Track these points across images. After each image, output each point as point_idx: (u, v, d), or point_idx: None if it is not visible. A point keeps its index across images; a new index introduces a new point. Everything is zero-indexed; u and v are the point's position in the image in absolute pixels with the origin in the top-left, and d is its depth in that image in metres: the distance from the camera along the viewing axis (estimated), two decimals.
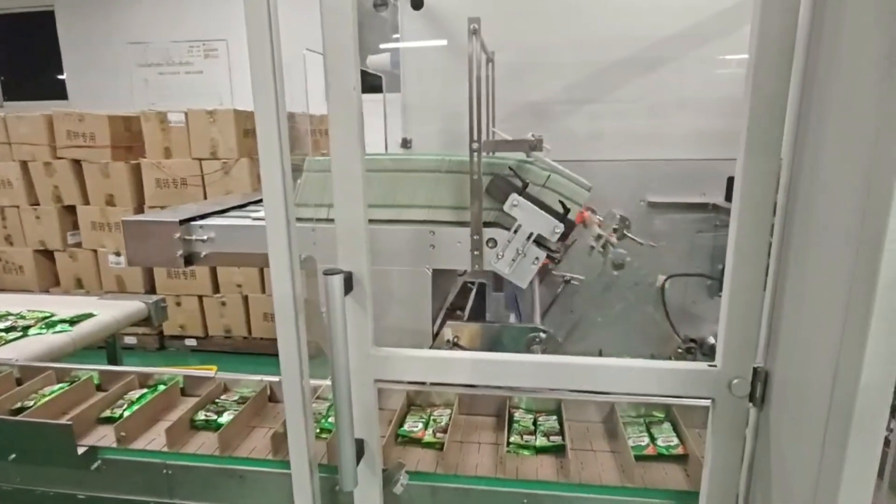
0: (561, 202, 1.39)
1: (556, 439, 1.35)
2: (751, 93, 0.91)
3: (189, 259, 1.54)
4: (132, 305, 2.48)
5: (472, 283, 1.95)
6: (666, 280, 2.24)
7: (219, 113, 4.00)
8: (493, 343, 1.56)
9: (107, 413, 1.50)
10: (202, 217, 1.58)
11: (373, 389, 1.16)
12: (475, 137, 1.37)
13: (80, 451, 1.38)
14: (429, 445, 1.38)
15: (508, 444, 1.36)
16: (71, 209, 4.12)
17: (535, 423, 1.44)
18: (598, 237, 1.63)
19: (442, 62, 2.19)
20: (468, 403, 1.53)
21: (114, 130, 3.97)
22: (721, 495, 1.10)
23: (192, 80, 6.66)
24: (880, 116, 0.71)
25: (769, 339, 1.02)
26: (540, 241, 1.45)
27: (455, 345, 1.56)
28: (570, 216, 1.44)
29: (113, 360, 2.58)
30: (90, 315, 2.29)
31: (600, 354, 1.91)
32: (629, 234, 2.17)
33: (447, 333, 1.57)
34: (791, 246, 0.96)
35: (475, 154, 1.37)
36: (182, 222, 1.51)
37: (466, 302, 2.01)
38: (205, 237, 1.53)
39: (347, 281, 1.08)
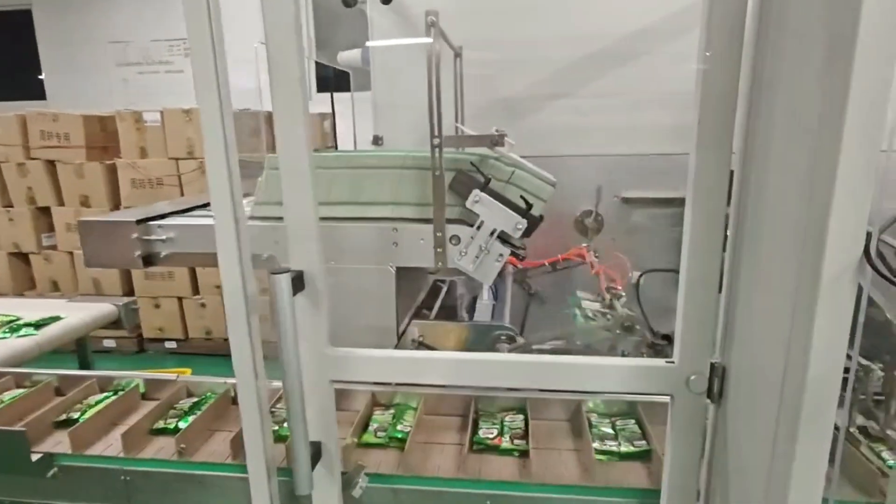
0: (523, 198, 1.37)
1: (521, 443, 1.33)
2: (701, 85, 0.90)
3: (148, 260, 1.50)
4: (101, 308, 2.43)
5: (443, 282, 1.93)
6: (640, 276, 2.23)
7: (195, 112, 3.94)
8: (459, 341, 1.54)
9: (63, 418, 1.46)
10: (162, 216, 1.54)
11: (329, 390, 1.13)
12: (436, 133, 1.34)
13: (35, 457, 1.34)
14: (392, 446, 1.35)
15: (472, 443, 1.34)
16: (45, 210, 4.05)
17: (501, 423, 1.42)
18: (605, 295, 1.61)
19: (412, 58, 2.17)
20: (434, 403, 1.50)
21: (88, 130, 3.90)
22: (681, 492, 1.08)
23: (172, 80, 6.58)
24: (823, 108, 0.70)
25: (725, 334, 1.01)
26: (504, 238, 1.43)
27: (421, 344, 1.54)
28: (535, 211, 1.43)
29: (84, 364, 2.53)
30: (57, 318, 2.24)
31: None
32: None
33: (412, 332, 1.54)
34: (744, 241, 0.94)
35: (436, 150, 1.35)
36: (140, 222, 1.48)
37: (450, 302, 1.99)
38: (164, 237, 1.49)
39: (298, 280, 1.05)
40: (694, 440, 1.05)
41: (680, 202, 2.21)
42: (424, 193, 1.43)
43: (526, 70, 2.20)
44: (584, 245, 2.17)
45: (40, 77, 6.62)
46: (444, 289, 1.90)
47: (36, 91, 6.60)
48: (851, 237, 0.69)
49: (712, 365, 1.01)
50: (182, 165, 3.94)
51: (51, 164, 3.94)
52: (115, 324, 2.55)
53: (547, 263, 2.09)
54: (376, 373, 1.13)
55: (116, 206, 3.99)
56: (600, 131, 2.18)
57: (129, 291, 4.09)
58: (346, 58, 2.32)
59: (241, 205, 1.05)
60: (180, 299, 4.10)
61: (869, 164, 0.65)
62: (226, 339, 1.11)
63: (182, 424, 1.42)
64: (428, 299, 1.88)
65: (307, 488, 1.08)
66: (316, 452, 1.14)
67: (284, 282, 0.99)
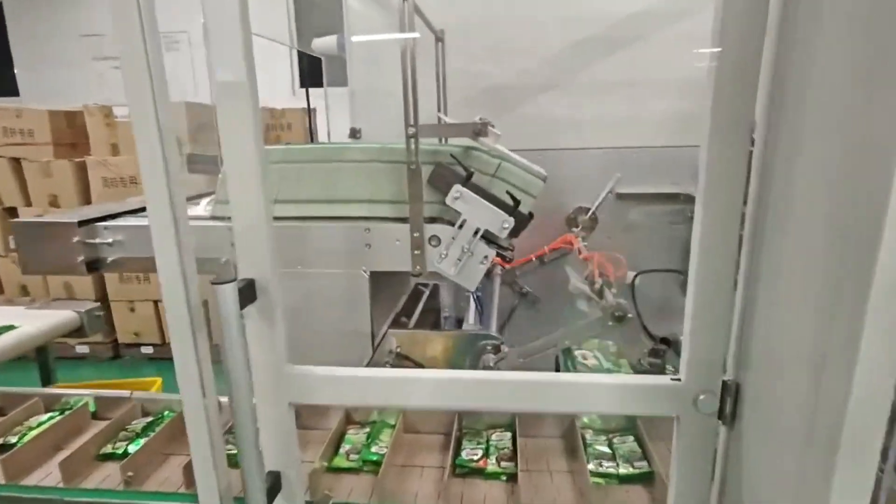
0: (510, 193, 1.24)
1: (508, 465, 1.20)
2: (717, 62, 0.76)
3: (93, 265, 1.35)
4: (61, 315, 2.26)
5: (425, 285, 1.79)
6: (636, 276, 2.11)
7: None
8: (440, 352, 1.41)
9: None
10: (109, 217, 1.39)
11: (288, 414, 0.99)
12: (411, 121, 1.20)
13: None
14: (366, 471, 1.22)
15: (455, 467, 1.21)
16: (12, 211, 3.86)
17: (487, 442, 1.29)
18: (592, 283, 1.47)
19: (392, 43, 2.02)
20: (414, 420, 1.37)
21: (54, 126, 3.72)
22: None
23: None
24: (875, 76, 0.57)
25: (740, 348, 0.88)
26: (489, 238, 1.30)
27: (398, 355, 1.40)
28: (523, 209, 1.29)
29: (45, 376, 2.37)
30: (10, 328, 2.07)
31: (557, 367, 1.74)
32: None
33: (389, 343, 1.40)
34: (765, 241, 0.81)
35: (412, 140, 1.21)
36: (82, 223, 1.32)
37: (433, 306, 1.86)
38: (110, 240, 1.34)
39: (248, 289, 0.91)
40: (703, 465, 0.93)
41: (679, 198, 2.10)
42: (401, 190, 1.29)
43: (515, 56, 2.06)
44: (573, 232, 2.04)
45: (15, 72, 6.41)
46: (426, 293, 1.76)
47: (9, 87, 6.38)
48: None
49: (724, 383, 0.88)
50: None
51: (16, 162, 3.75)
52: (78, 332, 2.39)
53: (534, 258, 1.96)
54: (342, 394, 0.99)
55: (87, 205, 3.81)
56: (594, 123, 2.05)
57: (103, 296, 3.91)
58: (322, 45, 2.17)
59: (181, 205, 0.90)
60: (156, 303, 3.94)
61: None
62: None
63: (132, 448, 1.28)
64: (409, 304, 1.74)
65: None
66: (274, 483, 1.00)
67: (230, 293, 0.85)
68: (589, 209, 2.07)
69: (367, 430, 1.35)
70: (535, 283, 2.08)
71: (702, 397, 0.88)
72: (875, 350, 0.59)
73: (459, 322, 1.98)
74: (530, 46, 2.05)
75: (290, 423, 1.00)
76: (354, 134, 2.12)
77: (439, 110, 1.86)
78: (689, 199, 2.02)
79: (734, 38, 0.76)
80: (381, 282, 1.54)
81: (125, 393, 1.48)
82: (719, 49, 0.76)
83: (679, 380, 0.90)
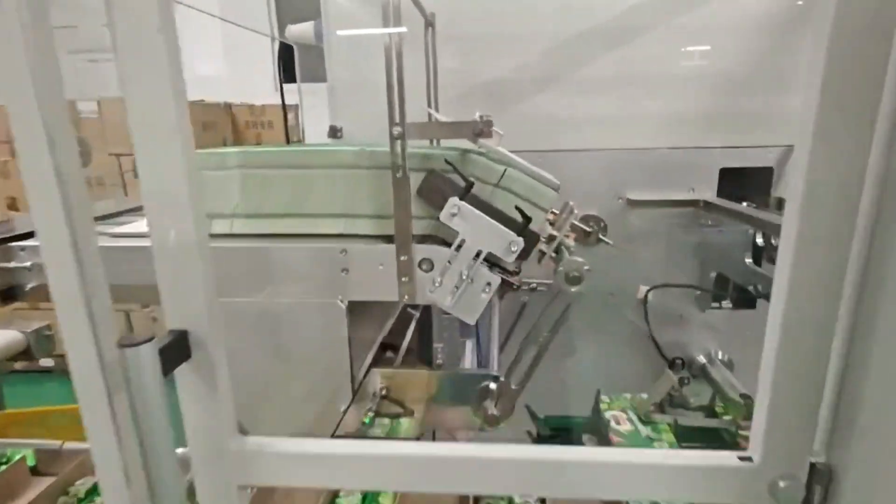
0: (519, 209, 1.02)
1: None
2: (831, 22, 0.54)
3: (8, 293, 1.11)
4: (5, 336, 2.01)
5: (415, 308, 1.56)
6: (648, 291, 1.90)
7: None
8: (433, 395, 1.18)
9: None
10: (28, 235, 1.15)
11: (238, 498, 0.77)
12: (396, 119, 0.98)
13: None
14: None
15: None
16: None
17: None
18: (551, 238, 1.24)
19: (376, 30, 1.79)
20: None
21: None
22: None
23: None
24: None
25: (836, 418, 0.66)
26: (492, 262, 1.08)
27: (384, 397, 1.18)
28: (533, 226, 1.07)
29: None
30: None
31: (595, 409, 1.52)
32: (603, 238, 1.82)
33: (373, 384, 1.18)
34: (882, 274, 0.60)
35: (397, 142, 0.99)
36: None
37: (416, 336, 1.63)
38: (29, 264, 1.10)
39: (178, 346, 0.68)
40: None
41: (697, 204, 1.88)
42: (386, 203, 1.07)
43: (515, 47, 1.84)
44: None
45: None
46: (416, 316, 1.53)
47: None
48: None
49: (813, 465, 0.67)
50: (125, 162, 3.51)
51: None
52: (24, 354, 2.14)
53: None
54: (306, 475, 0.76)
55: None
56: (599, 121, 1.83)
57: None
58: (297, 32, 1.93)
59: (83, 225, 0.67)
60: (128, 314, 3.68)
61: None
62: None
63: None
64: (396, 330, 1.51)
65: None
66: None
67: (147, 356, 0.62)
68: (597, 217, 1.86)
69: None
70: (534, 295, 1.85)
71: (782, 484, 0.66)
72: None
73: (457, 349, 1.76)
74: (529, 38, 1.83)
75: None
76: (335, 133, 1.89)
77: (430, 106, 1.63)
78: (708, 206, 1.82)
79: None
80: (362, 306, 1.31)
81: (77, 446, 1.24)
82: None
83: (750, 459, 0.68)
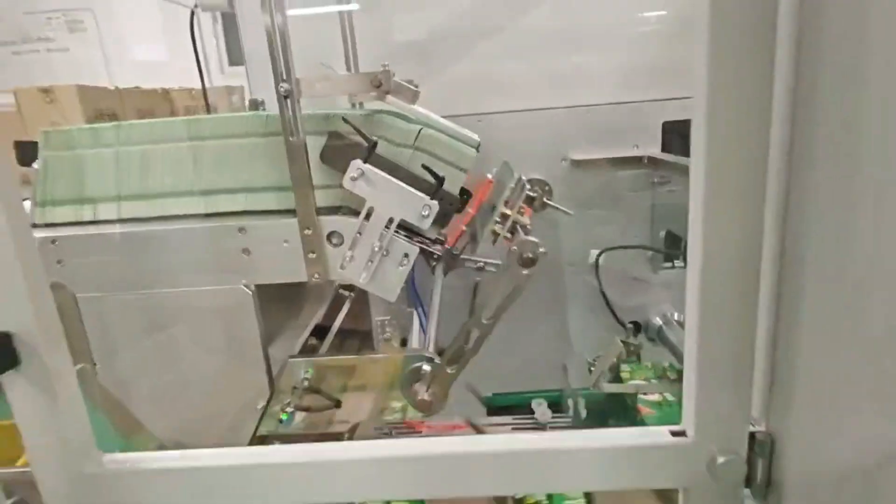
0: (427, 168, 0.91)
1: None
2: None
3: None
4: None
5: (349, 292, 1.45)
6: (600, 254, 1.82)
7: (58, 90, 3.25)
8: (362, 381, 1.08)
9: None
10: None
11: None
12: (284, 76, 0.85)
13: None
14: None
15: None
16: None
17: None
18: (504, 217, 1.14)
19: None
20: None
21: None
22: None
23: (57, 59, 5.67)
24: None
25: (773, 384, 0.58)
26: (409, 229, 0.97)
27: (308, 389, 1.07)
28: (451, 186, 0.97)
29: None
30: None
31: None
32: (550, 202, 1.73)
33: (295, 375, 1.07)
34: (802, 230, 0.52)
35: (286, 101, 0.86)
36: None
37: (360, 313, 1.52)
38: None
39: (3, 349, 0.56)
40: None
41: (642, 161, 1.81)
42: (287, 173, 0.94)
43: (442, 4, 1.71)
44: (489, 175, 1.73)
45: None
46: (349, 299, 1.42)
47: None
48: None
49: (752, 435, 0.59)
50: None
51: None
52: None
53: (465, 226, 1.64)
54: (183, 496, 0.65)
55: None
56: (541, 79, 1.73)
57: None
58: (210, 2, 1.76)
59: None
60: None
61: None
62: None
63: None
64: (330, 316, 1.40)
65: None
66: None
67: None
68: (541, 181, 1.77)
69: None
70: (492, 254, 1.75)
71: (721, 459, 0.58)
72: None
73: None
74: None
75: None
76: (256, 107, 1.73)
77: (349, 70, 1.50)
78: (654, 162, 1.74)
79: None
80: (284, 292, 1.20)
81: None
82: None
83: (684, 434, 0.60)
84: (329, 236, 0.94)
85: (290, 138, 0.87)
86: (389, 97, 0.99)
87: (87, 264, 0.98)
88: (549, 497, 1.01)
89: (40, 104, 3.22)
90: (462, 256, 1.60)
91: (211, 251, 0.96)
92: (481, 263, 1.67)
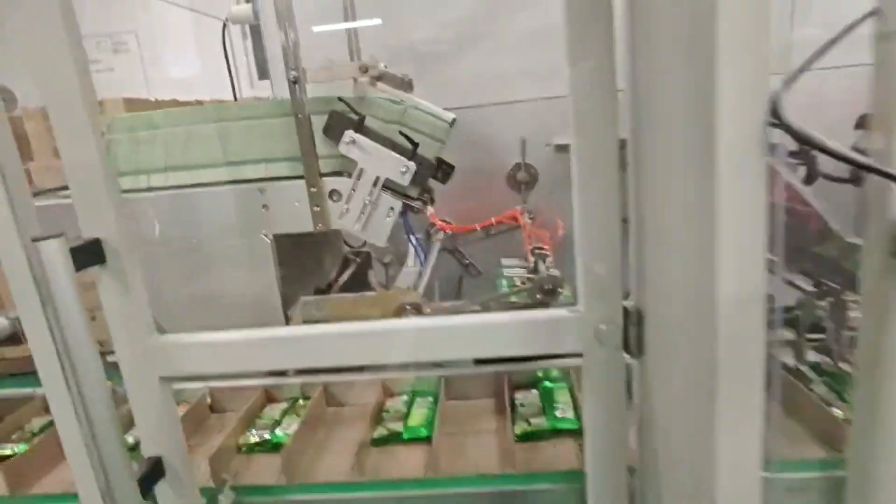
0: (403, 134, 1.14)
1: (428, 430, 1.12)
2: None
3: None
4: None
5: (356, 256, 1.69)
6: None
7: (107, 102, 3.62)
8: (357, 317, 1.31)
9: None
10: None
11: (162, 390, 0.89)
12: (293, 65, 1.10)
13: None
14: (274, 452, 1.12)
15: (374, 438, 1.12)
16: None
17: (409, 408, 1.20)
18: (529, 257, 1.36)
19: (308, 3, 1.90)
20: (336, 393, 1.28)
21: None
22: (608, 471, 0.88)
23: (104, 78, 6.14)
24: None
25: (638, 270, 0.79)
26: (395, 189, 1.20)
27: (312, 322, 1.31)
28: (427, 152, 1.20)
29: None
30: None
31: None
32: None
33: (306, 311, 1.31)
34: (644, 155, 0.73)
35: (296, 86, 1.11)
36: None
37: (363, 276, 1.76)
38: None
39: (92, 250, 0.81)
40: (615, 406, 0.84)
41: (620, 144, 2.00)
42: (297, 146, 1.19)
43: (437, 8, 1.95)
44: (519, 207, 1.95)
45: None
46: (355, 262, 1.66)
47: None
48: (750, 98, 0.49)
49: (626, 310, 0.80)
50: None
51: None
52: (11, 339, 2.27)
53: (479, 228, 1.86)
54: (219, 362, 0.89)
55: None
56: (522, 72, 1.95)
57: None
58: (238, 14, 2.04)
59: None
60: None
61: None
62: None
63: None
64: (339, 274, 1.64)
65: None
66: (154, 469, 0.91)
67: (56, 250, 0.74)
68: (528, 165, 1.98)
69: (285, 405, 1.26)
70: (478, 253, 1.98)
71: (603, 327, 0.79)
72: (732, 232, 0.52)
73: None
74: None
75: (166, 401, 0.90)
76: None
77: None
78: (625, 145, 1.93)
79: None
80: (304, 254, 1.44)
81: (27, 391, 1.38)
82: None
83: (578, 310, 0.81)
84: (330, 194, 1.19)
85: (298, 116, 1.12)
86: (380, 84, 1.24)
87: (143, 222, 1.25)
88: (543, 397, 1.20)
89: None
90: (460, 250, 1.84)
91: (238, 209, 1.21)
92: (468, 262, 1.91)
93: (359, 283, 1.68)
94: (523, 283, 1.40)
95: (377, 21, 1.91)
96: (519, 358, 1.25)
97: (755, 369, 0.56)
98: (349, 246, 1.75)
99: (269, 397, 1.30)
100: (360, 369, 1.37)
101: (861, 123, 1.96)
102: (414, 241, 1.54)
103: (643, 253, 0.77)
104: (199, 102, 4.81)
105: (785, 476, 0.92)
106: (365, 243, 1.71)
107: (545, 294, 1.26)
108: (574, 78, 0.73)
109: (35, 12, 0.74)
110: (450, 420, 1.17)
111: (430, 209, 1.81)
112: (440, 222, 1.70)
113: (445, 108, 1.61)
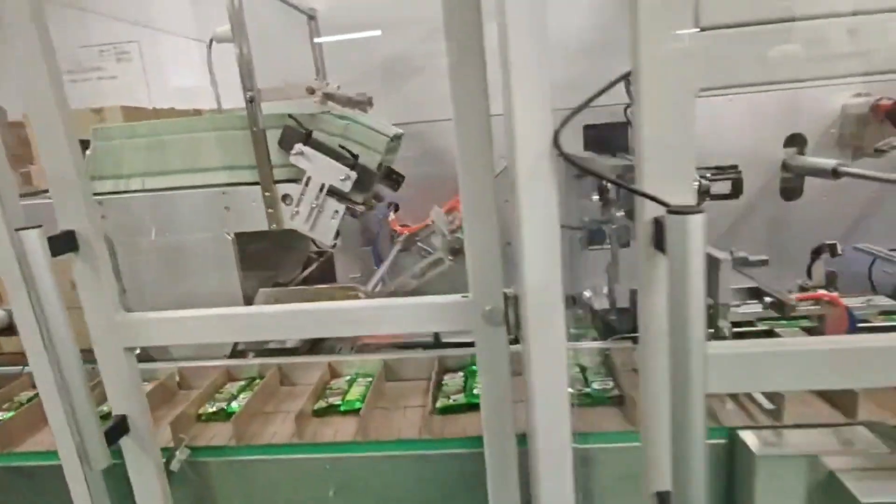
0: (344, 147, 1.32)
1: (359, 402, 1.28)
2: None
3: None
4: None
5: (318, 256, 1.87)
6: None
7: (106, 110, 3.81)
8: None
9: None
10: None
11: (126, 358, 1.06)
12: (248, 86, 1.28)
13: None
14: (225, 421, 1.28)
15: (314, 409, 1.29)
16: None
17: (350, 386, 1.36)
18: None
19: (283, 22, 2.08)
20: (288, 372, 1.44)
21: None
22: (499, 435, 1.04)
23: (107, 86, 6.33)
24: None
25: (515, 264, 0.96)
26: (340, 194, 1.37)
27: None
28: (369, 162, 1.37)
29: None
30: None
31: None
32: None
33: (265, 300, 1.48)
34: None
35: (252, 105, 1.29)
36: None
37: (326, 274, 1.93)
38: None
39: (66, 239, 0.98)
40: (501, 377, 1.01)
41: (567, 159, 2.17)
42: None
43: (401, 30, 2.13)
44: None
45: None
46: (317, 261, 1.83)
47: None
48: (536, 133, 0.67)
49: (505, 295, 0.97)
50: None
51: None
52: (8, 329, 2.44)
53: (432, 222, 2.04)
54: (174, 334, 1.06)
55: None
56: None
57: None
58: (222, 34, 2.22)
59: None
60: None
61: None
62: None
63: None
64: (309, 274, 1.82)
65: (101, 462, 1.01)
66: (119, 424, 1.07)
67: (35, 239, 0.91)
68: None
69: (243, 383, 1.42)
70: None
71: (488, 308, 0.96)
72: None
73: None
74: (418, 19, 2.12)
75: (129, 367, 1.07)
76: None
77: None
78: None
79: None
80: (271, 253, 1.62)
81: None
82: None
83: (468, 296, 0.98)
84: (284, 198, 1.36)
85: (254, 129, 1.30)
86: (330, 102, 1.41)
87: (122, 220, 1.42)
88: (466, 378, 1.36)
89: (93, 122, 3.80)
90: (421, 245, 2.01)
91: (204, 210, 1.38)
92: (425, 252, 2.08)
93: (330, 279, 1.86)
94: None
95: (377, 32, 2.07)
96: (449, 344, 1.43)
97: (559, 352, 0.73)
98: (317, 247, 1.92)
99: (231, 376, 1.46)
100: (313, 353, 1.54)
101: (789, 142, 2.15)
102: (371, 248, 1.72)
103: (516, 250, 0.94)
104: (198, 112, 4.99)
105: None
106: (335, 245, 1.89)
107: (454, 254, 1.44)
108: (456, 116, 0.90)
109: (16, 37, 0.91)
110: (385, 397, 1.34)
111: (392, 215, 2.00)
112: (399, 227, 1.87)
113: (407, 123, 1.79)
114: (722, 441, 1.08)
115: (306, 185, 1.32)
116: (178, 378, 1.48)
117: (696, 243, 0.58)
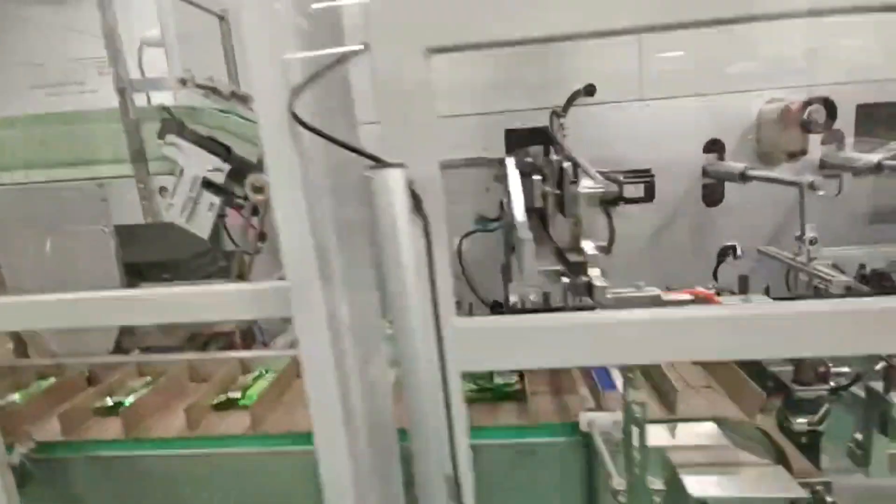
0: (212, 138, 1.31)
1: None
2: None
3: None
4: None
5: (250, 255, 1.85)
6: (461, 240, 2.17)
7: None
8: None
9: None
10: None
11: None
12: (119, 79, 1.28)
13: None
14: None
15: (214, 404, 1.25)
16: None
17: (254, 381, 1.33)
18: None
19: (208, 23, 2.09)
20: (201, 371, 1.41)
21: None
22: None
23: (89, 99, 6.39)
24: None
25: None
26: (218, 187, 1.36)
27: None
28: (251, 155, 1.36)
29: None
30: None
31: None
32: None
33: None
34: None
35: (122, 96, 1.28)
36: None
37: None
38: None
39: None
40: (327, 368, 0.97)
41: (490, 162, 2.16)
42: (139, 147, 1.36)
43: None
44: None
45: None
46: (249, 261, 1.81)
47: None
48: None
49: None
50: None
51: None
52: None
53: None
54: (27, 320, 1.04)
55: None
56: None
57: None
58: (150, 38, 2.24)
59: None
60: None
61: None
62: None
63: None
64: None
65: None
66: None
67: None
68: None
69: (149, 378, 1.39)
70: None
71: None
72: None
73: None
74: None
75: None
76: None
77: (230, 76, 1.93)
78: (500, 163, 2.10)
79: None
80: (167, 246, 1.59)
81: None
82: None
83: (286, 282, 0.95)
84: (160, 190, 1.34)
85: (125, 119, 1.29)
86: (214, 95, 1.41)
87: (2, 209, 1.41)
88: None
89: None
90: None
91: (80, 203, 1.37)
92: None
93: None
94: None
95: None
96: None
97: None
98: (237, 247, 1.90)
99: (141, 373, 1.43)
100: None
101: (708, 147, 2.15)
102: None
103: None
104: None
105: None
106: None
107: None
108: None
109: None
110: (291, 392, 1.30)
111: None
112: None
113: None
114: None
115: (180, 176, 1.31)
116: (87, 373, 1.44)
117: (397, 195, 0.56)
